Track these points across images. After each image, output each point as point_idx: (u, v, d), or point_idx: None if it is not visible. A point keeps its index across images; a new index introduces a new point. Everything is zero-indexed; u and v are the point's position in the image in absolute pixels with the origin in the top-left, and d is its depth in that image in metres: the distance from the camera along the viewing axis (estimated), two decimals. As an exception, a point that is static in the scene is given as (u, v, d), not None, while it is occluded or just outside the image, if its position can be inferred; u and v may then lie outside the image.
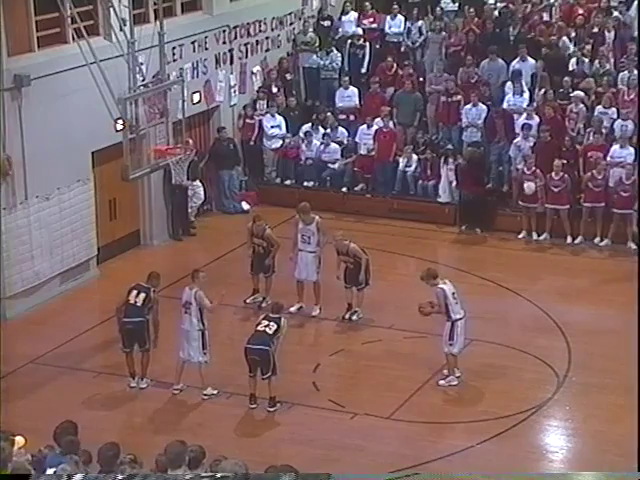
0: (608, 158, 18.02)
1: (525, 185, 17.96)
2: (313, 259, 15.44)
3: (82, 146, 16.31)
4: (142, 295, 13.42)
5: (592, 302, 15.99)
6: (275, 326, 12.95)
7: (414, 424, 12.60)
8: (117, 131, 15.15)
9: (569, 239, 18.04)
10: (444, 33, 21.03)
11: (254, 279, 15.85)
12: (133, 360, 13.59)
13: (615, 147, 18.13)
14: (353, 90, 20.66)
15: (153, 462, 8.49)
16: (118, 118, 14.70)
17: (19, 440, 8.85)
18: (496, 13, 21.42)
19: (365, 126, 19.80)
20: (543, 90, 19.35)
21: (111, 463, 8.07)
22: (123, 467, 7.93)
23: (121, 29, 14.78)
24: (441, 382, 13.47)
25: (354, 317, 15.30)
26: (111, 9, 15.29)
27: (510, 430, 12.50)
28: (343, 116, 20.57)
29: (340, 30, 21.97)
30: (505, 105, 19.36)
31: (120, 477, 7.65)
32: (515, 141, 18.73)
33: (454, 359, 13.48)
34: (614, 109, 18.69)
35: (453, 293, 13.49)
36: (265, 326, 12.95)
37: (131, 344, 13.49)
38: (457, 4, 22.07)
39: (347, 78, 20.79)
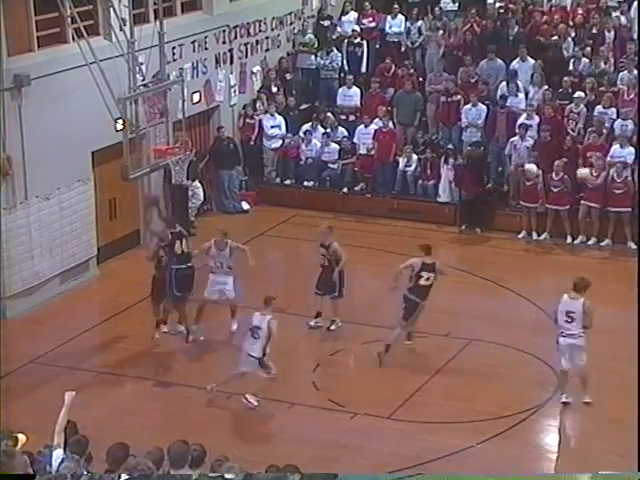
0: (608, 158, 18.06)
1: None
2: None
3: (82, 146, 16.32)
4: (184, 241, 14.37)
5: (592, 302, 15.97)
6: None
7: (414, 424, 12.60)
8: (117, 131, 15.15)
9: (569, 239, 18.07)
10: (441, 32, 21.05)
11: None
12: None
13: (615, 147, 18.16)
14: (355, 90, 20.68)
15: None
16: (118, 118, 14.70)
17: (22, 438, 8.85)
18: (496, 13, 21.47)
19: (363, 126, 19.83)
20: (543, 90, 19.38)
21: (120, 463, 8.08)
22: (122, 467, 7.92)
23: (121, 29, 14.79)
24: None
25: (332, 327, 14.93)
26: (111, 9, 15.30)
27: (510, 430, 12.50)
28: (343, 116, 20.60)
29: (339, 30, 22.00)
30: (506, 104, 19.38)
31: (125, 477, 7.65)
32: (512, 140, 18.76)
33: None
34: (614, 109, 18.72)
35: None
36: None
37: (187, 290, 14.41)
38: (457, 4, 22.08)
39: (351, 77, 20.80)
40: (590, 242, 17.97)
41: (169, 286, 14.35)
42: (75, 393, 8.72)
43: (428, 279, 13.94)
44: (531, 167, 17.94)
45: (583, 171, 17.72)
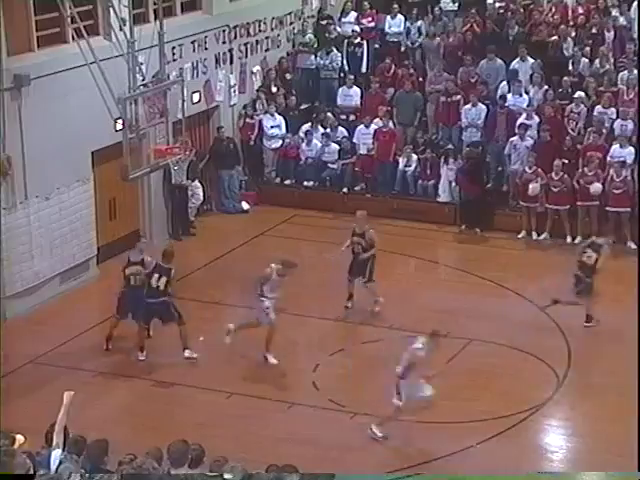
0: (608, 158, 18.05)
1: (530, 186, 17.92)
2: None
3: (82, 146, 16.30)
4: (163, 279, 13.94)
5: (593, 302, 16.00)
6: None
7: (414, 424, 12.59)
8: (117, 131, 15.14)
9: (569, 239, 18.07)
10: (441, 32, 21.05)
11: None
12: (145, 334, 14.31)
13: (615, 146, 18.15)
14: (355, 90, 20.66)
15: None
16: (118, 118, 14.69)
17: (19, 438, 8.84)
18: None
19: (363, 126, 19.82)
20: (543, 90, 19.37)
21: (100, 459, 8.10)
22: (122, 467, 7.93)
23: (121, 29, 14.78)
24: None
25: (377, 308, 15.32)
26: (111, 9, 15.29)
27: (510, 430, 12.49)
28: (343, 116, 20.58)
29: (339, 30, 21.98)
30: (506, 104, 19.38)
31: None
32: (511, 140, 18.76)
33: None
34: (613, 109, 18.71)
35: None
36: None
37: (150, 320, 14.24)
38: (457, 4, 22.07)
39: (351, 77, 20.78)
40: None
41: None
42: (74, 393, 8.72)
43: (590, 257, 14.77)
44: (535, 187, 17.87)
45: (597, 186, 17.68)
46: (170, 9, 18.19)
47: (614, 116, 18.69)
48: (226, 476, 7.87)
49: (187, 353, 14.13)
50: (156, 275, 14.01)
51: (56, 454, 8.22)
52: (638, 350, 13.29)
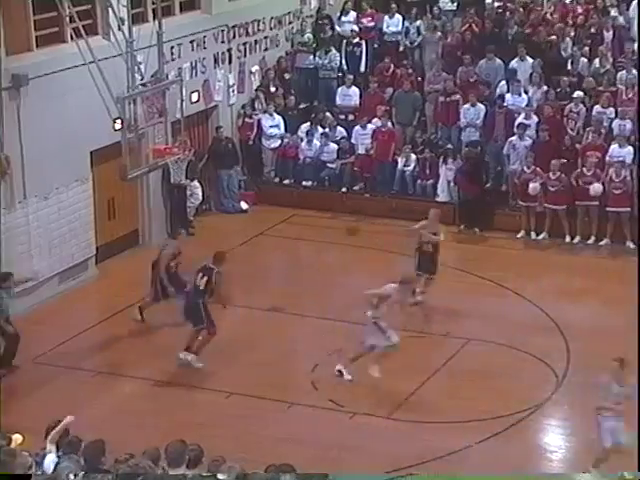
0: (607, 157, 18.04)
1: (530, 186, 17.91)
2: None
3: (80, 145, 16.28)
4: (204, 280, 13.81)
5: (591, 301, 15.98)
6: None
7: (412, 424, 12.58)
8: (115, 130, 15.11)
9: (567, 238, 18.05)
10: (439, 33, 21.04)
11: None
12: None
13: (614, 146, 18.14)
14: (354, 89, 20.63)
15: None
16: (117, 118, 14.67)
17: (16, 438, 8.83)
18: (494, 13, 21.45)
19: (359, 127, 19.80)
20: (542, 90, 19.36)
21: (97, 459, 8.09)
22: (119, 466, 7.91)
23: (119, 28, 14.75)
24: None
25: (419, 298, 15.55)
26: (109, 8, 15.26)
27: (509, 430, 12.48)
28: (342, 116, 20.56)
29: (339, 29, 21.96)
30: (505, 104, 19.37)
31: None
32: (510, 139, 18.75)
33: None
34: (612, 109, 18.70)
35: None
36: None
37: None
38: (455, 4, 22.05)
39: (351, 77, 20.75)
40: (589, 242, 17.97)
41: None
42: (74, 418, 8.73)
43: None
44: (535, 187, 17.87)
45: (597, 187, 17.66)
46: (169, 8, 18.18)
47: (613, 116, 18.67)
48: (220, 477, 7.83)
49: (182, 355, 13.89)
50: (200, 274, 13.91)
51: (50, 458, 8.21)
52: (638, 350, 13.23)
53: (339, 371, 13.45)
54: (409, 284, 13.99)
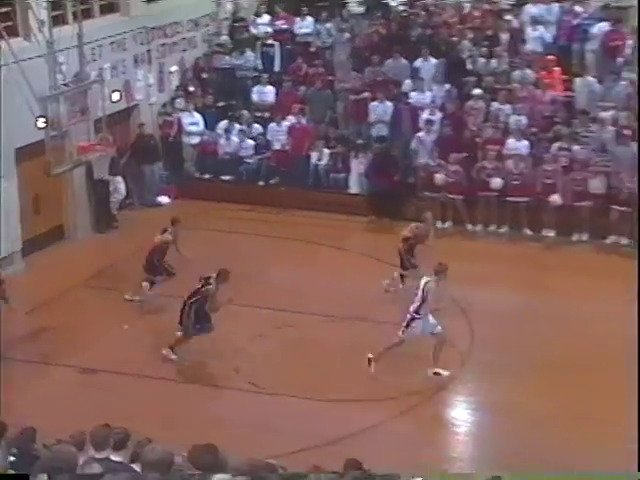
0: (504, 150, 18.35)
1: (437, 176, 18.11)
2: None
3: (5, 143, 15.90)
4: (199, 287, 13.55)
5: (493, 285, 16.22)
6: None
7: (323, 402, 12.55)
8: (39, 129, 14.81)
9: (469, 226, 18.32)
10: (348, 35, 21.11)
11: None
12: None
13: (511, 140, 18.45)
14: (270, 88, 20.58)
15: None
16: (39, 116, 14.38)
17: None
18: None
19: (275, 124, 19.76)
20: (446, 87, 19.57)
21: (28, 446, 7.93)
22: (44, 451, 7.75)
23: (40, 30, 14.45)
24: None
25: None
26: (29, 10, 14.93)
27: (418, 406, 12.58)
28: (259, 113, 20.50)
29: (254, 31, 21.88)
30: (410, 101, 19.54)
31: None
32: (418, 135, 18.92)
33: None
34: (509, 105, 19.03)
35: None
36: None
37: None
38: (363, 7, 22.15)
39: (266, 76, 20.69)
40: (490, 229, 18.27)
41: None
42: None
43: None
44: (441, 177, 18.07)
45: (497, 181, 17.93)
46: (88, 11, 17.86)
47: (510, 111, 18.99)
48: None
49: (165, 351, 13.63)
50: (201, 282, 13.59)
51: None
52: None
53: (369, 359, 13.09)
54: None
